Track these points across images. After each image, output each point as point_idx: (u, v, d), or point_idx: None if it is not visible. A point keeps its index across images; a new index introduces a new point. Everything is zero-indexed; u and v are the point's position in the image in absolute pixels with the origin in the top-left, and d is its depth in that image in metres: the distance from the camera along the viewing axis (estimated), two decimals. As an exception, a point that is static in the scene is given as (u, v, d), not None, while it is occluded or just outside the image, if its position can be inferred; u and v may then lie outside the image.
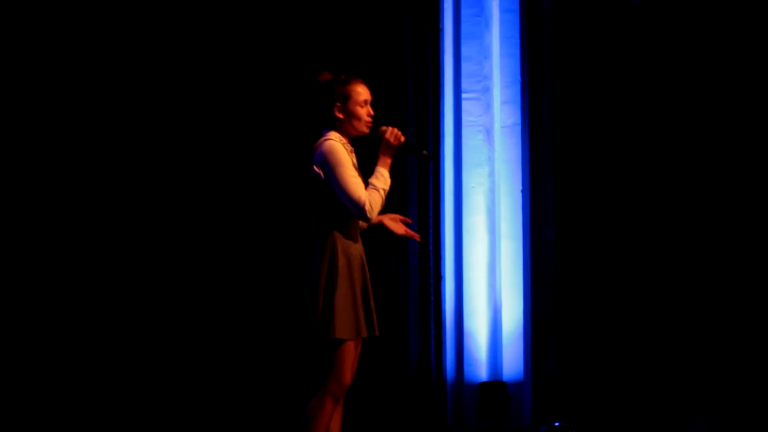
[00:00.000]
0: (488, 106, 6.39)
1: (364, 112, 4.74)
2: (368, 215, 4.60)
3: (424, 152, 4.87)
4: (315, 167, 4.65)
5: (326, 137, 4.68)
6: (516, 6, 6.41)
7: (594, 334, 6.43)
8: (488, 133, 6.38)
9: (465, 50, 6.42)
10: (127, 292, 6.45)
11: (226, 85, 6.47)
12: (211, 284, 6.49)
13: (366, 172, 4.70)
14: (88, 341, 6.42)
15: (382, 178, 4.68)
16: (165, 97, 6.46)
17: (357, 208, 4.59)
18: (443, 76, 6.42)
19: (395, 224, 4.97)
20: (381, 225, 4.95)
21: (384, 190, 4.67)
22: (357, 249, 4.70)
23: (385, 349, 6.38)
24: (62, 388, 6.40)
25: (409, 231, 4.99)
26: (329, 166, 4.61)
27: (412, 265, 6.43)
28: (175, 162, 6.48)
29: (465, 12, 6.42)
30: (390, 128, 4.74)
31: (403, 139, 4.73)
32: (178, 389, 6.45)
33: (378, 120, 4.80)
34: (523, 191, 6.38)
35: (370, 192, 4.62)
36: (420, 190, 6.43)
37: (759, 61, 6.29)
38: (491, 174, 6.39)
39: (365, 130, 4.76)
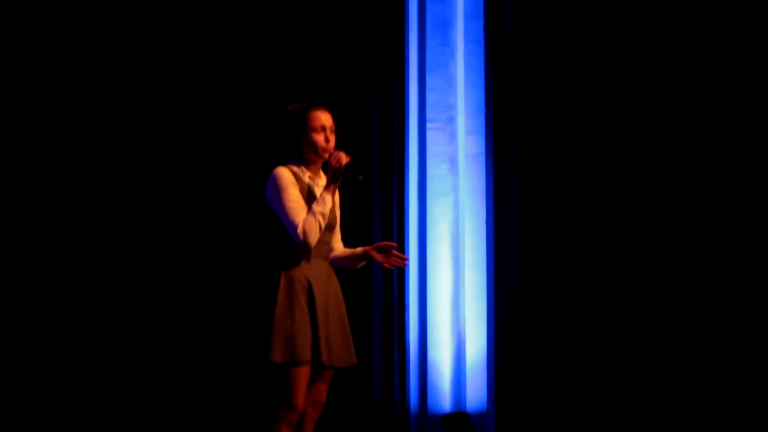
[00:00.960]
0: (453, 136, 6.43)
1: (321, 138, 4.81)
2: (301, 238, 4.67)
3: (360, 177, 4.86)
4: (264, 196, 4.81)
5: (280, 166, 4.81)
6: (481, 36, 6.42)
7: (559, 364, 6.34)
8: (453, 162, 6.42)
9: (430, 80, 6.48)
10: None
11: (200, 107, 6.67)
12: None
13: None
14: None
15: (322, 202, 4.74)
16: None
17: (292, 231, 4.69)
18: (408, 105, 6.50)
19: (379, 255, 4.95)
20: (368, 256, 4.97)
21: (322, 213, 4.72)
22: (303, 272, 4.75)
23: (350, 378, 6.45)
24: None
25: (389, 261, 4.96)
26: (273, 192, 4.74)
27: (377, 295, 6.50)
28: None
29: (430, 42, 6.48)
30: (335, 153, 4.80)
31: (344, 162, 4.76)
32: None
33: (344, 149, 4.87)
34: (487, 221, 6.37)
35: (307, 216, 4.70)
36: (384, 218, 6.51)
37: (724, 93, 6.13)
38: (456, 203, 6.42)
39: (324, 155, 4.83)
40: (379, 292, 6.49)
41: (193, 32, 6.70)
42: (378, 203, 6.47)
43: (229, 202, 6.73)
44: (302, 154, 4.84)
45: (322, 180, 4.89)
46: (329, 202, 4.75)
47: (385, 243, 4.97)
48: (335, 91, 6.49)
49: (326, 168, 4.84)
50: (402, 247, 6.46)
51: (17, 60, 6.69)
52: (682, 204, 6.21)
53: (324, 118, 4.84)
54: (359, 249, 4.93)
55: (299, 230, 4.66)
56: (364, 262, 4.98)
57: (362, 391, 6.50)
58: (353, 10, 6.56)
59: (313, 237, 4.71)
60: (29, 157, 6.69)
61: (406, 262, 4.97)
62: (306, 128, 4.80)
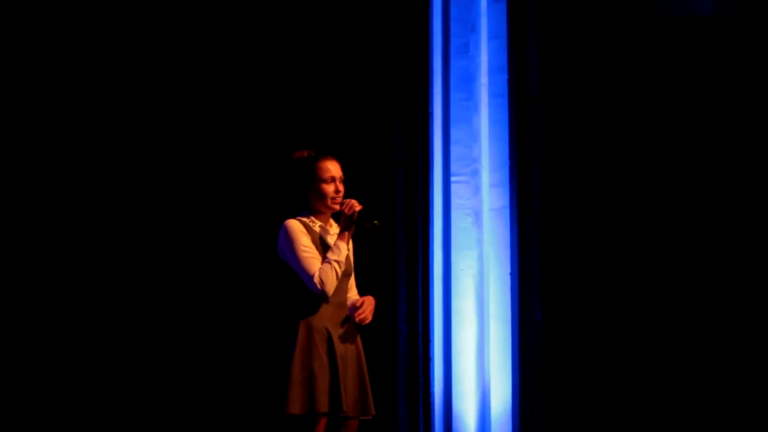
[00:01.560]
0: (477, 189, 6.48)
1: (330, 189, 4.83)
2: (318, 287, 4.67)
3: (375, 222, 4.84)
4: (277, 248, 4.81)
5: (292, 218, 4.82)
6: (504, 91, 6.49)
7: (583, 416, 6.40)
8: (477, 215, 6.47)
9: (454, 134, 6.53)
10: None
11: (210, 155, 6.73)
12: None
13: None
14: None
15: (337, 250, 4.74)
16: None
17: (308, 282, 4.69)
18: (432, 159, 6.55)
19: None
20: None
21: (338, 262, 4.72)
22: (321, 322, 4.75)
23: (376, 429, 6.48)
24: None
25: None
26: (285, 244, 4.75)
27: (401, 347, 6.54)
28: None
29: (454, 96, 6.54)
30: (347, 201, 4.81)
31: (357, 209, 4.78)
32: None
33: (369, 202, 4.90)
34: (511, 274, 6.43)
35: (323, 266, 4.70)
36: (409, 272, 6.55)
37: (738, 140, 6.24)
38: (480, 256, 6.46)
39: (334, 206, 4.84)
40: (404, 343, 6.52)
41: (213, 77, 6.77)
42: (403, 257, 6.51)
43: (240, 250, 6.74)
44: (311, 204, 4.86)
45: (333, 229, 4.91)
46: (344, 250, 4.77)
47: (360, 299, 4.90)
48: (360, 145, 6.54)
49: (337, 217, 4.86)
50: (427, 300, 6.50)
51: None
52: (706, 250, 6.28)
53: (333, 168, 4.85)
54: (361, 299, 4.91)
55: (315, 280, 4.67)
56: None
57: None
58: (378, 63, 6.62)
59: (330, 286, 4.71)
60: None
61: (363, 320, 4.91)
62: (315, 179, 4.82)
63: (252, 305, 6.67)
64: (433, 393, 6.48)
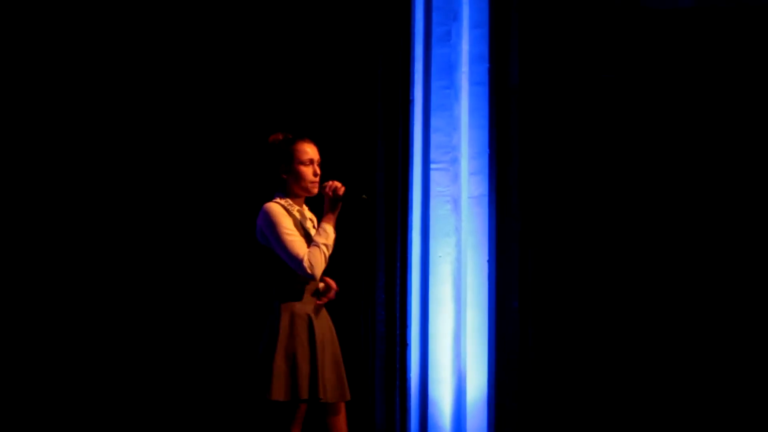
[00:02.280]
0: (456, 177, 6.52)
1: (309, 171, 4.81)
2: (308, 271, 4.66)
3: (363, 197, 4.86)
4: (256, 232, 4.79)
5: (269, 201, 4.80)
6: (485, 79, 6.54)
7: (559, 403, 6.45)
8: (456, 203, 6.51)
9: (434, 121, 6.57)
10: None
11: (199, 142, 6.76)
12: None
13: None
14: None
15: (324, 233, 4.73)
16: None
17: (296, 265, 4.67)
18: (413, 146, 6.59)
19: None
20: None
21: (325, 245, 4.72)
22: (303, 308, 4.76)
23: (351, 415, 6.50)
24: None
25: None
26: (267, 228, 4.71)
27: (379, 333, 6.58)
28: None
29: (435, 84, 6.57)
30: (329, 182, 4.79)
31: (341, 191, 4.77)
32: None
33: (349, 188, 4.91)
34: (489, 261, 6.48)
35: (311, 249, 4.68)
36: (388, 258, 6.58)
37: (728, 134, 6.29)
38: (458, 243, 6.50)
39: (312, 189, 4.83)
40: (381, 329, 6.56)
41: (197, 69, 6.78)
42: (381, 243, 6.55)
43: (213, 234, 6.76)
44: (287, 187, 4.82)
45: (307, 214, 4.90)
46: (331, 233, 4.77)
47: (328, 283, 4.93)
48: (340, 130, 6.58)
49: (310, 203, 4.84)
50: (405, 286, 6.55)
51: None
52: (684, 240, 6.36)
53: (311, 150, 4.84)
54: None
55: (305, 263, 4.66)
56: None
57: (363, 428, 6.55)
58: (360, 51, 6.65)
59: (319, 269, 4.71)
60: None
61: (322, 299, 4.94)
62: (293, 161, 4.80)
63: (224, 292, 6.68)
64: (410, 379, 6.53)
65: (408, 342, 6.55)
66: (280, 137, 4.83)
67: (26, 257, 6.72)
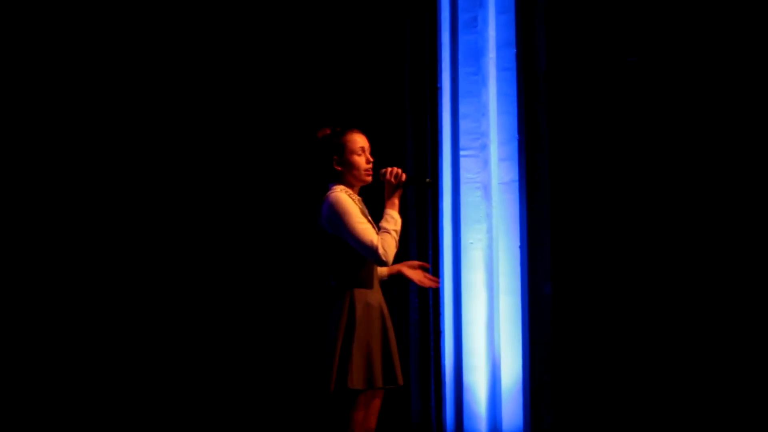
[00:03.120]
0: (486, 163, 6.53)
1: (362, 160, 4.82)
2: (382, 258, 4.66)
3: (427, 180, 4.92)
4: (323, 222, 4.78)
5: (332, 190, 4.80)
6: (513, 64, 6.54)
7: (593, 387, 6.47)
8: (486, 189, 6.52)
9: (463, 108, 6.58)
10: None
11: (225, 138, 6.81)
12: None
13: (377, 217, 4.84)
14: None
15: (392, 219, 4.73)
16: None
17: (370, 253, 4.66)
18: (441, 133, 6.60)
19: (413, 272, 5.05)
20: (400, 274, 5.05)
21: (395, 231, 4.72)
22: (375, 297, 4.77)
23: (387, 402, 6.54)
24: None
25: (427, 278, 5.07)
26: (336, 217, 4.70)
27: (413, 320, 6.62)
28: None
29: (462, 70, 6.58)
30: (390, 169, 4.80)
31: (404, 177, 4.78)
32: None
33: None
34: (521, 247, 6.49)
35: (382, 235, 4.68)
36: (419, 246, 6.62)
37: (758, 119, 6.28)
38: (489, 230, 6.52)
39: (366, 178, 4.84)
40: (415, 316, 6.60)
41: (224, 62, 6.82)
42: (413, 231, 6.57)
43: (265, 226, 6.81)
44: (342, 178, 4.83)
45: (361, 202, 4.91)
46: (398, 218, 4.77)
47: (417, 262, 5.04)
48: (369, 119, 6.60)
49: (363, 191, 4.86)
50: (436, 273, 6.58)
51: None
52: (719, 222, 6.35)
53: (362, 140, 4.86)
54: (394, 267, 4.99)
55: (380, 250, 4.65)
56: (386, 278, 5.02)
57: (399, 415, 6.60)
58: (386, 39, 6.69)
59: (392, 255, 4.71)
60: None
61: (438, 284, 5.02)
62: (345, 151, 4.81)
63: (278, 281, 6.74)
64: (444, 366, 6.56)
65: (441, 329, 6.57)
66: (328, 131, 4.84)
67: (68, 257, 6.81)
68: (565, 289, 6.51)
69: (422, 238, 6.62)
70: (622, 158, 6.49)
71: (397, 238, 4.72)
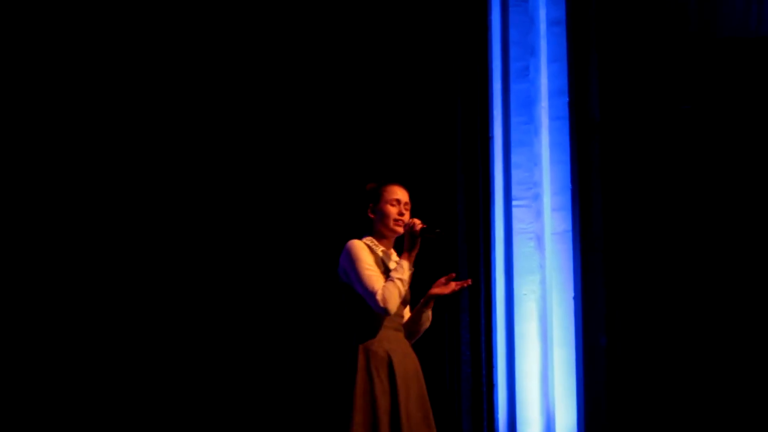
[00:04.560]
0: (539, 213, 6.48)
1: (394, 211, 4.78)
2: (380, 304, 4.59)
3: (437, 230, 4.76)
4: (338, 270, 4.77)
5: (353, 239, 4.79)
6: (565, 113, 6.50)
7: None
8: (539, 240, 6.47)
9: (515, 158, 6.56)
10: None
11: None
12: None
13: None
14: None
15: (400, 268, 4.66)
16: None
17: (371, 299, 4.62)
18: (494, 183, 6.58)
19: (443, 288, 4.85)
20: (432, 299, 4.87)
21: (400, 279, 4.64)
22: (381, 345, 4.69)
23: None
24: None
25: (457, 284, 4.86)
26: (346, 262, 4.69)
27: (465, 373, 6.55)
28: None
29: (514, 120, 6.56)
30: (410, 220, 4.76)
31: (418, 227, 4.72)
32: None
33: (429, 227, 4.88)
34: (575, 298, 6.43)
35: (387, 283, 4.63)
36: (471, 297, 6.56)
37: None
38: (543, 281, 6.47)
39: (396, 228, 4.78)
40: (467, 369, 6.53)
41: (281, 108, 6.83)
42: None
43: (302, 275, 6.78)
44: (375, 227, 4.82)
45: (394, 257, 4.87)
46: (407, 268, 4.71)
47: (443, 278, 4.84)
48: (420, 169, 6.59)
49: (399, 248, 4.81)
50: (489, 325, 6.52)
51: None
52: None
53: (399, 192, 4.83)
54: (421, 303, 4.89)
55: (378, 297, 4.60)
56: (429, 312, 4.91)
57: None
58: (437, 89, 6.67)
59: (393, 304, 4.63)
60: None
61: (468, 281, 4.87)
62: (380, 200, 4.80)
63: (310, 325, 6.70)
64: (498, 419, 6.50)
65: (494, 381, 6.51)
66: (375, 185, 4.83)
67: (84, 260, 6.78)
68: (620, 341, 6.42)
69: (474, 290, 6.55)
70: (677, 208, 6.42)
71: (401, 287, 4.65)
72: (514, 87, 6.58)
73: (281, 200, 6.81)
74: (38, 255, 6.73)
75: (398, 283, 4.65)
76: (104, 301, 6.73)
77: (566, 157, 6.50)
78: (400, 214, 4.80)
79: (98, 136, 6.79)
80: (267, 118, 6.83)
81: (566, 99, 6.51)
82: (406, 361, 4.77)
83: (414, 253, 4.74)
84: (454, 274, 4.89)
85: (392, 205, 4.79)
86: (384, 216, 4.79)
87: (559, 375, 6.43)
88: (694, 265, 6.39)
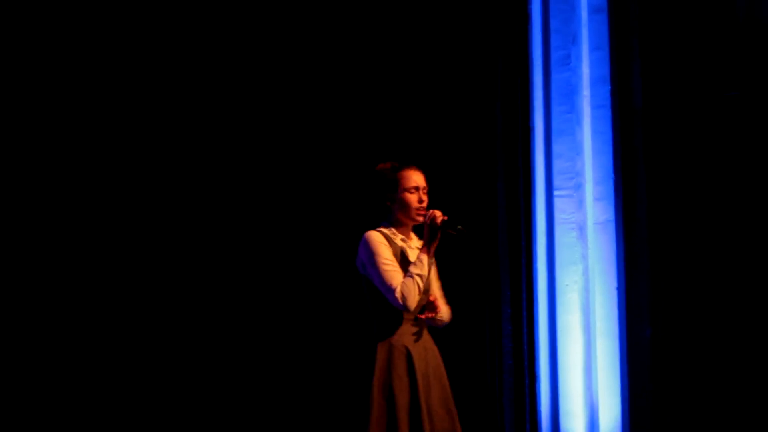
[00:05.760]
0: (581, 203, 6.40)
1: (414, 198, 4.77)
2: (399, 302, 4.59)
3: (459, 227, 4.76)
4: (357, 262, 4.77)
5: (370, 230, 4.76)
6: (607, 102, 6.42)
7: (696, 434, 6.24)
8: (581, 230, 6.39)
9: (556, 147, 6.50)
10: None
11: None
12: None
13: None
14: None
15: (420, 264, 4.65)
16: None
17: (390, 295, 4.61)
18: (535, 173, 6.52)
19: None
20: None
21: (420, 276, 4.63)
22: (400, 339, 4.69)
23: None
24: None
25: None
26: (366, 256, 4.69)
27: (507, 365, 6.50)
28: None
29: (556, 109, 6.48)
30: (430, 211, 4.73)
31: (438, 219, 4.70)
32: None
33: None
34: (618, 288, 6.35)
35: (406, 279, 4.61)
36: (513, 288, 6.51)
37: None
38: (585, 271, 6.38)
39: (417, 218, 4.78)
40: (509, 361, 6.48)
41: (308, 94, 6.83)
42: (506, 273, 6.48)
43: (318, 267, 6.79)
44: (393, 215, 4.78)
45: (414, 243, 4.82)
46: (427, 264, 4.64)
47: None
48: (460, 160, 6.52)
49: (418, 231, 4.75)
50: (531, 316, 6.47)
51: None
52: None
53: (417, 178, 4.79)
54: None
55: (397, 294, 4.59)
56: (447, 307, 4.90)
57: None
58: (479, 77, 6.61)
59: (412, 301, 4.62)
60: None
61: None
62: (398, 188, 4.73)
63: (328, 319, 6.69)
64: (540, 412, 6.43)
65: (537, 374, 6.45)
66: (389, 165, 4.76)
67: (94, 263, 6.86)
68: (665, 332, 6.31)
69: (516, 281, 6.49)
70: (722, 196, 6.28)
71: (420, 283, 4.64)
72: (556, 76, 6.51)
73: (305, 191, 6.82)
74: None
75: (417, 279, 4.63)
76: (123, 298, 6.84)
77: (608, 147, 6.41)
78: (420, 201, 4.75)
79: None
80: (298, 107, 6.87)
81: (608, 87, 6.42)
82: (428, 356, 4.72)
83: (434, 246, 4.70)
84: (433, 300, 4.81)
85: (411, 193, 4.74)
86: (405, 206, 4.74)
87: (603, 367, 6.35)
88: (741, 256, 6.25)
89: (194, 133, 6.85)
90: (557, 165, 6.48)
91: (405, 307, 4.60)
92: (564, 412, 6.38)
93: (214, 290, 6.79)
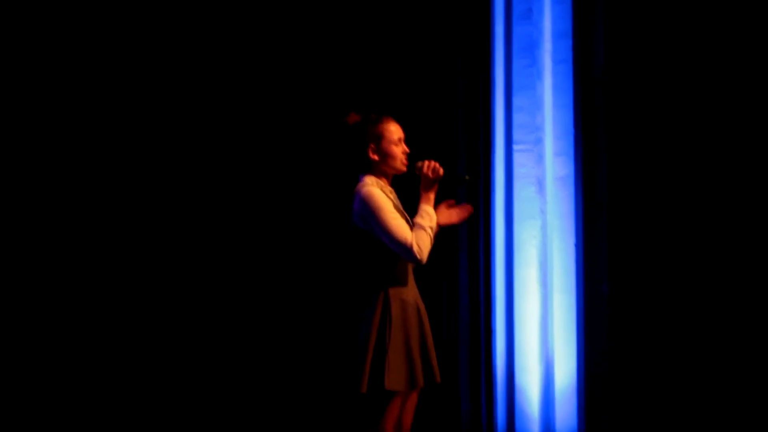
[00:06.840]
0: (540, 158, 6.39)
1: (399, 150, 4.74)
2: (417, 257, 4.54)
3: (466, 177, 4.80)
4: (354, 218, 4.69)
5: (363, 183, 4.71)
6: (569, 57, 6.41)
7: (650, 390, 6.25)
8: (540, 185, 6.37)
9: (517, 101, 6.46)
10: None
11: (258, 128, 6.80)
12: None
13: (410, 209, 4.75)
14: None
15: (427, 216, 4.62)
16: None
17: (404, 251, 4.54)
18: (494, 127, 6.50)
19: (449, 217, 4.80)
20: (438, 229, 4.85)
21: (431, 227, 4.60)
22: (410, 294, 4.67)
23: (437, 402, 6.44)
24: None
25: (461, 211, 4.82)
26: (369, 212, 4.59)
27: (463, 319, 6.49)
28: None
29: (517, 63, 6.45)
30: (427, 162, 4.71)
31: (441, 171, 4.70)
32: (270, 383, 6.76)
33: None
34: (576, 245, 6.35)
35: (417, 232, 4.56)
36: (470, 241, 6.50)
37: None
38: (543, 226, 6.38)
39: (402, 168, 4.75)
40: (465, 315, 6.46)
41: (276, 58, 6.74)
42: (464, 226, 6.44)
43: (289, 219, 6.78)
44: (375, 167, 4.72)
45: (393, 194, 4.76)
46: (434, 214, 4.64)
47: (442, 204, 4.79)
48: (420, 113, 6.48)
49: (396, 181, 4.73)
50: (488, 270, 6.46)
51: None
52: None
53: (399, 130, 4.80)
54: None
55: (415, 248, 4.53)
56: None
57: (449, 416, 6.45)
58: (439, 31, 6.55)
59: (427, 253, 4.59)
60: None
61: (470, 208, 4.84)
62: (383, 141, 4.70)
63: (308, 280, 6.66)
64: (496, 366, 6.44)
65: (493, 328, 6.45)
66: (358, 118, 4.70)
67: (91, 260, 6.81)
68: (622, 289, 6.31)
69: (473, 234, 6.47)
70: (682, 153, 6.29)
71: (432, 235, 4.62)
72: (517, 29, 6.47)
73: (283, 147, 6.76)
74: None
75: (428, 231, 4.59)
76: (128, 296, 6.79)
77: (569, 102, 6.38)
78: (405, 152, 4.74)
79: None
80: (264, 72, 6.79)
81: (570, 42, 6.39)
82: (419, 305, 4.71)
83: (433, 197, 4.66)
84: (453, 201, 4.85)
85: (396, 145, 4.72)
86: (391, 157, 4.71)
87: (559, 323, 6.36)
88: (698, 217, 6.27)
89: (187, 130, 6.80)
90: (517, 119, 6.44)
91: (420, 261, 4.56)
92: (519, 367, 6.37)
93: (211, 286, 6.78)
